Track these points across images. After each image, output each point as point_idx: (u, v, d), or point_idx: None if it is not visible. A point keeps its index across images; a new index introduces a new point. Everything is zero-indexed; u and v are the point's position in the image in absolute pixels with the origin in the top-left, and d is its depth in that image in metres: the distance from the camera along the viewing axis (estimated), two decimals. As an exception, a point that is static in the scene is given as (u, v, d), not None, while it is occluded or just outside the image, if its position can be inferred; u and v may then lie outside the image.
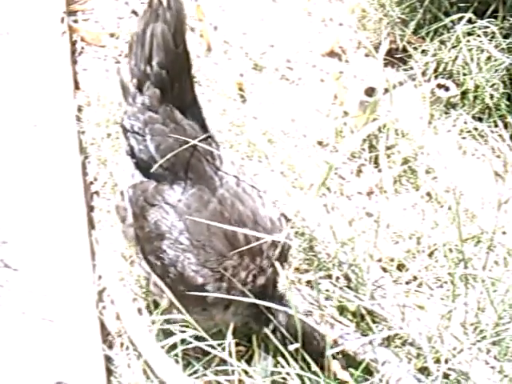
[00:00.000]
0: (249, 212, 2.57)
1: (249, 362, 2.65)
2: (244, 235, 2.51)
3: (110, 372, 2.76)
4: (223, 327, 2.53)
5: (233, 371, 2.46)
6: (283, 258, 2.62)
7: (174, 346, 2.60)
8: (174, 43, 2.59)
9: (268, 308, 2.49)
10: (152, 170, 2.60)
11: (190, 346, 2.58)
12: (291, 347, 2.44)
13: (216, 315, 2.56)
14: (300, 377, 2.44)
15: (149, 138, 2.62)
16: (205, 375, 2.59)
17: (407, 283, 2.94)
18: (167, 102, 2.64)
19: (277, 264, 2.50)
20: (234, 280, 2.48)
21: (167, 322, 2.63)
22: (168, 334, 2.63)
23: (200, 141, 2.62)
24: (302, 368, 2.47)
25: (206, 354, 2.62)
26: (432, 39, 3.65)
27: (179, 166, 2.60)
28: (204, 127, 2.70)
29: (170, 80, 2.62)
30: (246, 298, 2.46)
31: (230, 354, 2.45)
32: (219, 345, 2.50)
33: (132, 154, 2.68)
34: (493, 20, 3.57)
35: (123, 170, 2.72)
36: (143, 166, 2.65)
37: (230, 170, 2.66)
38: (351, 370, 2.60)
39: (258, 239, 2.52)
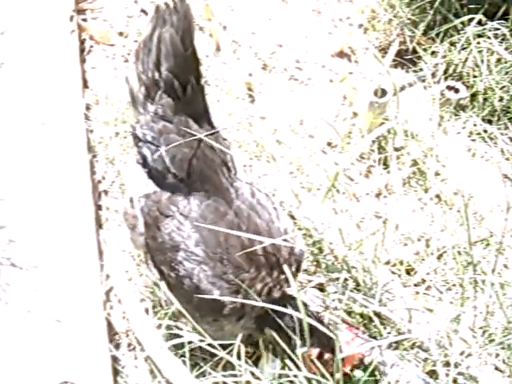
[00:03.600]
0: (264, 224, 2.55)
1: (256, 364, 2.64)
2: (262, 248, 2.49)
3: (116, 372, 2.76)
4: (231, 338, 2.51)
5: (240, 373, 2.45)
6: (298, 268, 2.61)
7: (181, 347, 2.60)
8: (182, 47, 2.56)
9: (275, 311, 2.48)
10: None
11: (196, 345, 2.57)
12: (299, 351, 2.42)
13: (226, 326, 2.55)
14: (308, 380, 2.43)
15: (163, 149, 2.60)
16: (212, 376, 2.57)
17: (416, 286, 2.93)
18: (181, 111, 2.61)
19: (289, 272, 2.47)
20: (250, 291, 2.46)
21: (176, 327, 2.63)
22: (175, 334, 2.62)
23: (215, 151, 2.62)
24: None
25: (214, 355, 2.61)
26: (442, 41, 3.62)
27: (195, 177, 2.58)
28: (217, 137, 2.68)
29: (181, 85, 2.59)
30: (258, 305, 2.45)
31: (239, 356, 2.44)
32: (226, 347, 2.49)
33: (144, 163, 2.65)
34: (503, 22, 3.54)
35: (134, 178, 2.69)
36: (157, 176, 2.62)
37: (245, 180, 2.64)
38: (359, 372, 2.59)
39: (275, 251, 2.51)
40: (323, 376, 2.43)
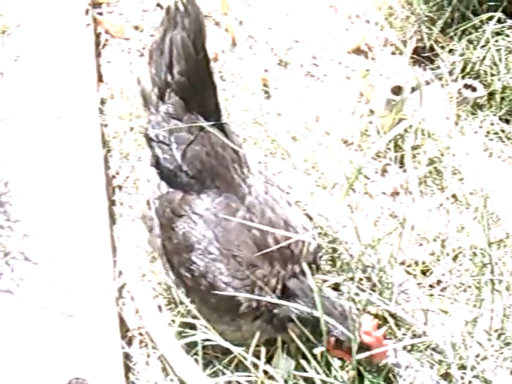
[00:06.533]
0: (279, 219, 2.53)
1: (269, 363, 2.61)
2: (275, 242, 2.47)
3: (128, 369, 2.75)
4: (249, 339, 2.48)
5: (256, 374, 2.43)
6: (315, 263, 2.58)
7: (193, 345, 2.58)
8: (194, 51, 2.57)
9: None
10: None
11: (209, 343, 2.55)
12: (316, 350, 2.40)
13: (243, 325, 2.53)
14: (324, 382, 2.41)
15: (175, 147, 2.60)
16: (225, 375, 2.55)
17: (431, 287, 2.90)
18: (191, 109, 2.61)
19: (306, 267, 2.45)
20: (266, 289, 2.44)
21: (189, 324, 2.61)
22: (188, 332, 2.60)
23: (227, 149, 2.61)
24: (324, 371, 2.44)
25: (227, 353, 2.59)
26: (460, 38, 3.60)
27: (206, 174, 2.57)
28: (229, 133, 2.68)
29: (192, 87, 2.60)
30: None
31: (257, 357, 2.42)
32: (240, 345, 2.48)
33: (157, 163, 2.65)
34: (522, 20, 3.52)
35: (148, 180, 2.69)
36: (169, 176, 2.62)
37: (258, 177, 2.63)
38: (373, 374, 2.57)
39: (289, 245, 2.49)
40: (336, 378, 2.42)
